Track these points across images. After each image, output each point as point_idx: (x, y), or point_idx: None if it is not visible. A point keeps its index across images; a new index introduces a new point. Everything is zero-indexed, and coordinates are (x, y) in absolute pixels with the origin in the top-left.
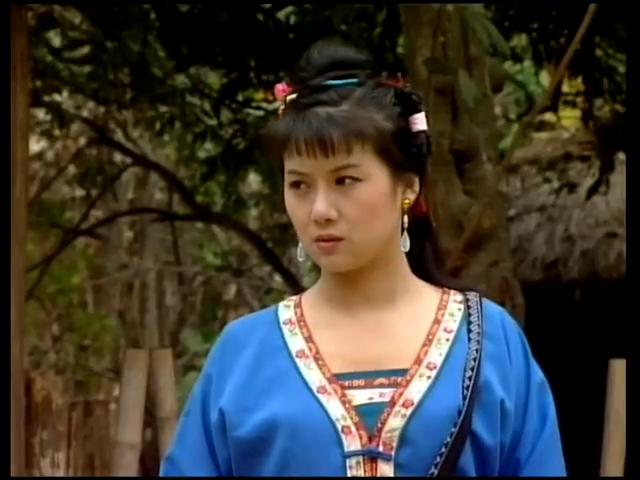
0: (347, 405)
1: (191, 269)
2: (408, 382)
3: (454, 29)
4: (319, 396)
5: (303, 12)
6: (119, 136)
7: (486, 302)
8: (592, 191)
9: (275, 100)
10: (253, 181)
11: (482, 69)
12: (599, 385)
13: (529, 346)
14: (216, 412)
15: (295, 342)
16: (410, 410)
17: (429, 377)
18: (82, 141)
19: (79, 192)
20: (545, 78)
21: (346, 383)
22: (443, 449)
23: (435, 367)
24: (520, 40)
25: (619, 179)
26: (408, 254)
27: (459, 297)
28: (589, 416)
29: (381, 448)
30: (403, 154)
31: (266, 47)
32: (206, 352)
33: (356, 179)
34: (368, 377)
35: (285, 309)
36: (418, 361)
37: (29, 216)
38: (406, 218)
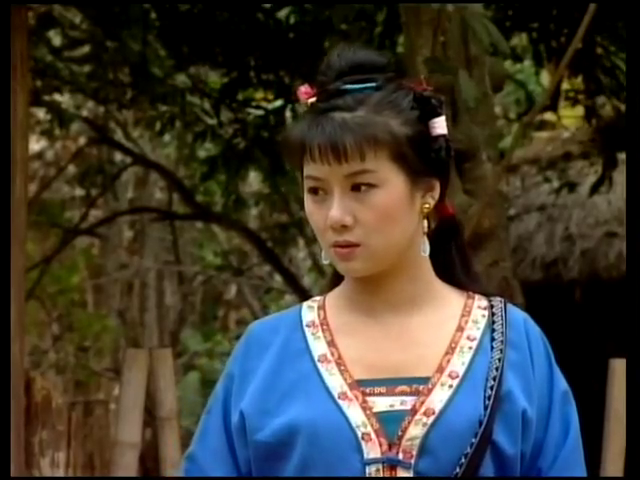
0: (368, 412)
1: (191, 269)
2: (430, 390)
3: (454, 29)
4: (340, 402)
5: (303, 12)
6: (119, 136)
7: (511, 308)
8: (594, 189)
9: (275, 100)
10: (253, 181)
11: (482, 69)
12: (599, 385)
13: (553, 354)
14: (237, 413)
15: (318, 346)
16: (431, 419)
17: (451, 386)
18: (82, 141)
19: (79, 192)
20: (545, 78)
21: (367, 390)
22: (463, 459)
23: (457, 376)
24: (520, 40)
25: (620, 178)
26: (434, 258)
27: (484, 303)
28: (589, 416)
29: (401, 456)
30: (421, 159)
31: (266, 46)
32: (206, 351)
33: (371, 185)
34: (389, 384)
35: (309, 310)
36: (440, 369)
37: (29, 216)
38: (426, 222)
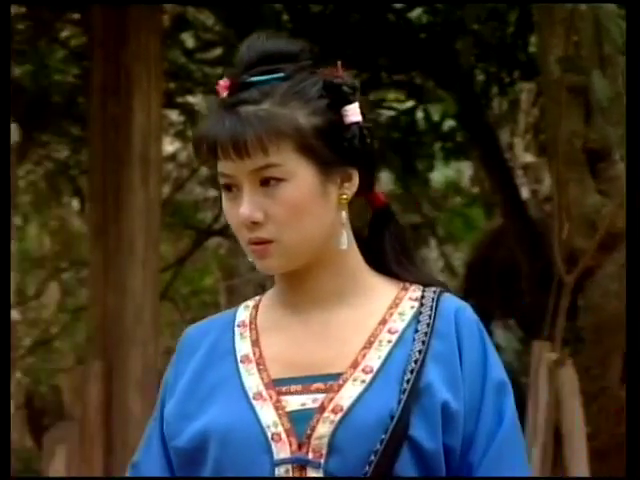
0: (280, 411)
1: None
2: (340, 387)
3: (587, 28)
4: (254, 402)
5: (434, 12)
6: None
7: (445, 298)
8: None
9: (407, 100)
10: (385, 181)
11: (616, 68)
12: None
13: (491, 345)
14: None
15: (242, 346)
16: (339, 416)
17: (363, 381)
18: None
19: (212, 193)
20: None
21: (283, 388)
22: (372, 457)
23: (371, 371)
24: None
25: None
26: (366, 249)
27: (417, 294)
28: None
29: (310, 456)
30: (331, 149)
31: (397, 47)
32: None
33: (279, 179)
34: (305, 382)
35: (244, 310)
36: (355, 365)
37: (163, 217)
38: (344, 214)
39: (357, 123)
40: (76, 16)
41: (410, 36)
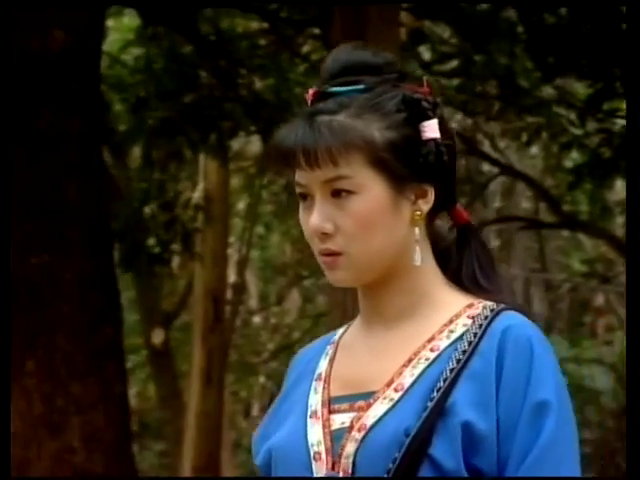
0: (326, 430)
1: (558, 276)
2: (369, 405)
3: None
4: (309, 421)
5: None
6: (487, 147)
7: (503, 316)
8: None
9: None
10: (619, 189)
11: None
12: None
13: (545, 364)
14: None
15: (322, 364)
16: (362, 435)
17: (392, 400)
18: None
19: None
20: None
21: (336, 407)
22: (386, 475)
23: (402, 389)
24: None
25: None
26: (445, 265)
27: (477, 312)
28: None
29: (341, 474)
30: (405, 164)
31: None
32: (572, 358)
33: (350, 192)
34: (353, 400)
35: (341, 329)
36: (390, 383)
37: None
38: (417, 230)
39: (434, 139)
40: (316, 31)
41: None
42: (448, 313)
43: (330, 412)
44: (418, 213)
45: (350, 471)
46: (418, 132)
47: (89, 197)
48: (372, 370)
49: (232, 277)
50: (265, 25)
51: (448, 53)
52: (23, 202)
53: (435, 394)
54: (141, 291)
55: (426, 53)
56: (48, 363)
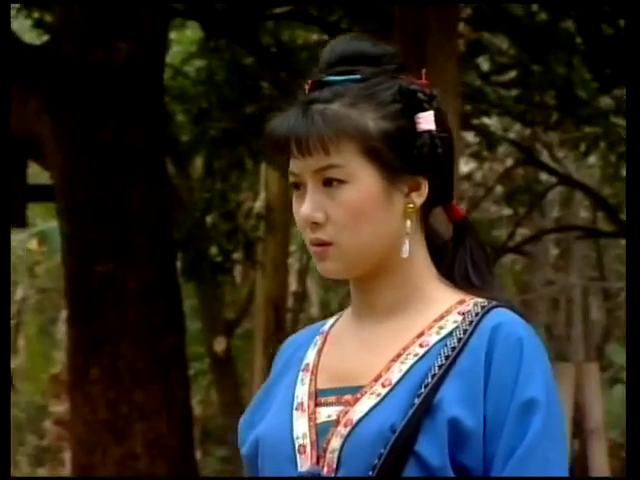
0: (311, 422)
1: (616, 285)
2: (357, 400)
3: None
4: (294, 413)
5: None
6: (545, 157)
7: (494, 313)
8: None
9: None
10: None
11: None
12: None
13: (534, 362)
14: None
15: (310, 354)
16: (347, 430)
17: (379, 395)
18: (509, 162)
19: (506, 211)
20: None
21: (322, 399)
22: (370, 472)
23: (390, 384)
24: None
25: None
26: (439, 260)
27: (467, 308)
28: None
29: (325, 469)
30: (399, 155)
31: None
32: None
33: (341, 181)
34: (340, 393)
35: (332, 319)
36: (378, 377)
37: None
38: (409, 223)
39: (429, 131)
40: None
41: None
42: (439, 309)
43: (316, 405)
44: (411, 206)
45: (335, 466)
46: (413, 123)
47: (152, 207)
48: (360, 364)
49: (293, 285)
50: (325, 37)
51: (506, 64)
52: (88, 211)
53: (422, 390)
54: (203, 300)
55: (485, 64)
56: (112, 370)
